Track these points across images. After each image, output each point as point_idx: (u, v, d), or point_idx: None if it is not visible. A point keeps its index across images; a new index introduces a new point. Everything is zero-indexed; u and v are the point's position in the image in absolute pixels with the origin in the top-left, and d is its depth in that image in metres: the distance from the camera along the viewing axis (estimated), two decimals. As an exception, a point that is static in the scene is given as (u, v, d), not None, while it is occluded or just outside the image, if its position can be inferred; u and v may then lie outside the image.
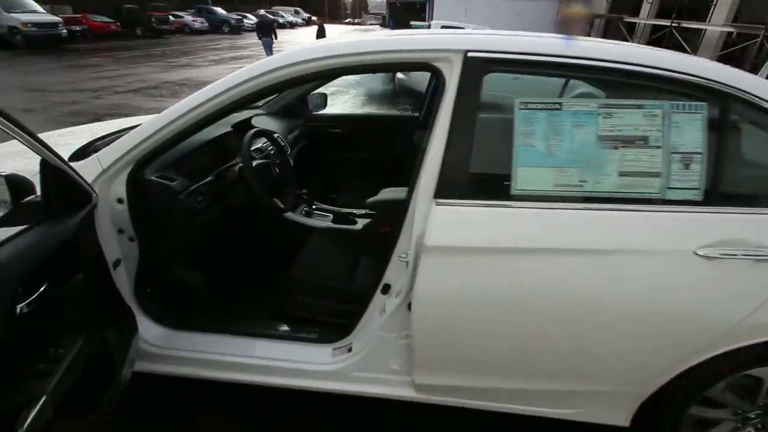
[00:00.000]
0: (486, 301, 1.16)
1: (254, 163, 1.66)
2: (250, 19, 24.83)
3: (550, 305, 1.14)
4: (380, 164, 2.72)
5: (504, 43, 1.15)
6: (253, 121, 2.22)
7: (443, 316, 1.19)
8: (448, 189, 1.14)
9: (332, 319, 1.61)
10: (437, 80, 1.19)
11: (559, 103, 1.12)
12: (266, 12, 12.60)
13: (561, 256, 1.11)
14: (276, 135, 2.07)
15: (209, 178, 1.64)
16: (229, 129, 1.92)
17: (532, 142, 1.13)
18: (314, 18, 37.34)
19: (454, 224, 1.13)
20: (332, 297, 1.65)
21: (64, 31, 14.27)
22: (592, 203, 1.12)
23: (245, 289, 1.92)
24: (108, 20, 18.56)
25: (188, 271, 1.64)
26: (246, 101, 1.26)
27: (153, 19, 20.16)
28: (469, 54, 1.14)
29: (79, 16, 17.67)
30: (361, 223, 2.10)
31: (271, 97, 2.65)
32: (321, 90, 2.82)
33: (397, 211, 1.90)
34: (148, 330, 1.46)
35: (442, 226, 1.12)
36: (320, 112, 2.84)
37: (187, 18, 23.55)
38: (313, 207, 2.14)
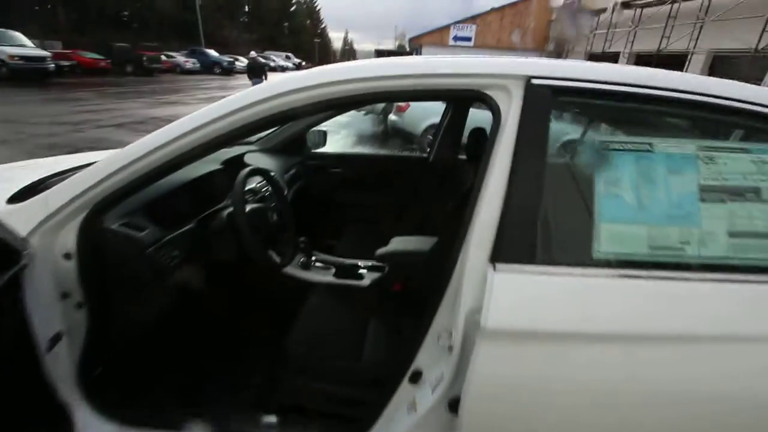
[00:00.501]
0: (570, 403, 0.85)
1: (248, 208, 1.37)
2: (242, 62, 25.28)
3: (655, 405, 0.84)
4: (386, 209, 2.46)
5: (576, 69, 0.93)
6: (246, 159, 1.95)
7: (509, 427, 0.88)
8: (510, 250, 0.86)
9: (337, 408, 1.26)
10: (492, 113, 0.94)
11: (650, 143, 0.89)
12: (258, 55, 12.76)
13: (671, 345, 0.82)
14: (273, 174, 1.80)
15: (189, 226, 1.33)
16: (218, 166, 1.63)
17: (619, 192, 0.87)
18: (304, 63, 38.52)
19: (523, 299, 0.84)
20: (336, 379, 1.31)
21: (52, 65, 14.09)
22: (697, 272, 0.86)
23: (226, 369, 1.56)
24: (98, 57, 18.55)
25: (153, 346, 1.29)
26: (240, 134, 0.98)
27: (144, 58, 20.30)
28: (533, 81, 0.90)
29: (69, 51, 17.67)
30: (368, 277, 1.79)
31: (266, 133, 2.41)
32: (320, 127, 2.60)
33: (412, 265, 1.62)
34: (95, 429, 1.09)
35: (507, 302, 0.83)
36: (320, 150, 2.60)
37: (179, 58, 23.86)
38: (313, 258, 1.83)
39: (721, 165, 0.88)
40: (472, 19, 18.91)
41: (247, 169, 1.40)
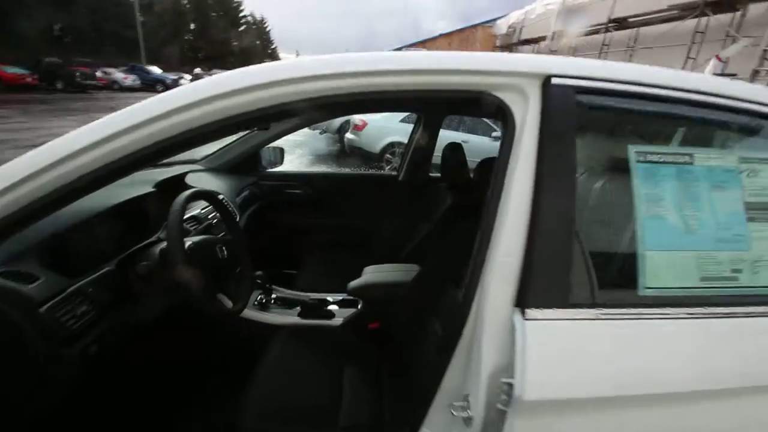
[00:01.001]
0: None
1: (188, 241, 1.08)
2: (186, 80, 24.31)
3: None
4: (354, 233, 2.23)
5: (603, 68, 0.77)
6: (189, 180, 1.66)
7: None
8: (542, 291, 0.67)
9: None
10: (502, 121, 0.76)
11: (690, 154, 0.75)
12: (204, 72, 12.21)
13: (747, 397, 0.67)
14: (221, 198, 1.53)
15: (105, 270, 1.02)
16: (148, 190, 1.33)
17: (662, 213, 0.72)
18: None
19: (567, 355, 0.64)
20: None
21: (-38, 80, 12.61)
22: (757, 305, 0.71)
23: None
24: (23, 72, 16.92)
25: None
26: (179, 144, 0.71)
27: (77, 74, 18.79)
28: (554, 81, 0.74)
29: (-12, 67, 15.98)
30: (339, 314, 1.54)
31: (212, 150, 2.11)
32: (277, 143, 2.34)
33: (390, 299, 1.40)
34: None
35: (546, 361, 0.63)
36: (276, 169, 2.34)
37: (118, 75, 22.38)
38: (273, 295, 1.56)
39: (765, 178, 0.76)
40: (422, 43, 19.58)
41: (187, 192, 1.11)
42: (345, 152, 7.96)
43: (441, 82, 0.76)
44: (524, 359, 0.62)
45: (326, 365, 1.28)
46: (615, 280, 0.72)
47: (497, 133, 7.59)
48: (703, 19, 7.86)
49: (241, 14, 42.69)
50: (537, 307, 0.66)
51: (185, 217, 1.38)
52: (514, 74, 0.75)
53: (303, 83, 0.70)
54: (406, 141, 7.24)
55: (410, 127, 7.25)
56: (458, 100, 0.77)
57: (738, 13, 7.35)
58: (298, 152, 8.25)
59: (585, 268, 0.70)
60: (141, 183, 1.31)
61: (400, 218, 2.10)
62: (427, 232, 1.74)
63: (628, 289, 0.69)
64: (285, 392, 1.13)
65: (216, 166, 2.09)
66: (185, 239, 1.07)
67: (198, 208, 1.50)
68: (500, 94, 0.75)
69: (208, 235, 1.26)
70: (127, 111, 0.68)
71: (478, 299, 0.71)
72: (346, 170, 5.63)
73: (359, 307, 1.54)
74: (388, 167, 6.61)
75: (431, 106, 2.06)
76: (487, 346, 0.68)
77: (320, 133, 9.68)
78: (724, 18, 7.54)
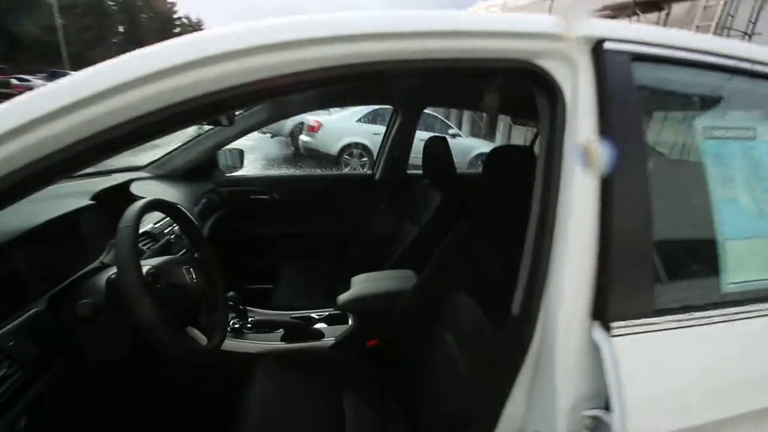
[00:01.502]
0: None
1: (146, 267, 0.85)
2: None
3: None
4: (331, 239, 2.04)
5: (662, 33, 0.65)
6: (134, 189, 1.39)
7: None
8: (626, 299, 0.54)
9: None
10: (547, 97, 0.63)
11: (753, 128, 0.66)
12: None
13: None
14: (180, 207, 1.28)
15: (32, 312, 0.76)
16: (86, 202, 1.06)
17: (736, 195, 0.62)
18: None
19: (662, 374, 0.52)
20: None
21: None
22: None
23: None
24: None
25: None
26: (132, 136, 0.50)
27: (-13, 82, 16.79)
28: (607, 46, 0.62)
29: None
30: (328, 333, 1.35)
31: (159, 155, 1.84)
32: (233, 145, 2.09)
33: (388, 311, 1.25)
34: None
35: (643, 383, 0.51)
36: (236, 174, 2.09)
37: (36, 81, 20.22)
38: (249, 318, 1.33)
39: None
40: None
41: (141, 203, 0.86)
42: (300, 155, 7.66)
43: (480, 48, 0.59)
44: (619, 384, 0.50)
45: (323, 393, 1.10)
46: (695, 277, 0.62)
47: (454, 131, 7.66)
48: (634, 18, 8.43)
49: (175, 16, 40.37)
50: (621, 318, 0.53)
51: (138, 234, 1.14)
52: (557, 37, 0.62)
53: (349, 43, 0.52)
54: (364, 142, 7.12)
55: (367, 127, 7.15)
56: (500, 71, 0.63)
57: (663, 12, 7.97)
58: (250, 157, 7.81)
59: (664, 265, 0.58)
60: (73, 195, 1.05)
61: (382, 220, 1.94)
62: (418, 234, 1.59)
63: (709, 286, 0.59)
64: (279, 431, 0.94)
65: (165, 172, 1.81)
66: (141, 262, 0.84)
67: (150, 223, 1.25)
68: (543, 63, 0.62)
69: (169, 256, 1.03)
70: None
71: (544, 314, 0.57)
72: (317, 171, 5.27)
73: (351, 322, 1.37)
74: (347, 169, 6.42)
75: (410, 98, 1.92)
76: (561, 371, 0.54)
77: (271, 137, 9.27)
78: (652, 17, 8.14)
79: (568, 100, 0.60)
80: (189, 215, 1.02)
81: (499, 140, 9.88)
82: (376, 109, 6.50)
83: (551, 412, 0.54)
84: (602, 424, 0.51)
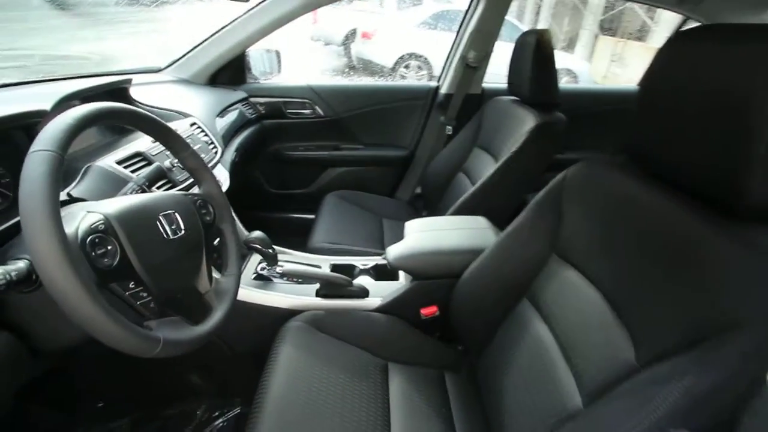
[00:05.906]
0: None
1: (95, 218, 0.53)
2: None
3: None
4: (383, 166, 1.70)
5: None
6: (134, 93, 1.10)
7: None
8: None
9: None
10: None
11: None
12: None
13: None
14: (194, 124, 0.97)
15: None
16: (38, 107, 0.74)
17: None
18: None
19: None
20: None
21: None
22: None
23: None
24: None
25: None
26: None
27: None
28: None
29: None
30: (373, 291, 1.05)
31: (182, 55, 1.50)
32: (267, 46, 1.70)
33: (456, 275, 0.94)
34: None
35: None
36: (272, 82, 1.73)
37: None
38: (278, 265, 1.06)
39: None
40: None
41: (78, 111, 0.50)
42: (353, 67, 7.03)
43: None
44: None
45: (363, 368, 0.86)
46: None
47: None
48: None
49: None
50: None
51: (121, 158, 0.85)
52: None
53: None
54: (423, 53, 6.28)
55: (431, 33, 6.23)
56: None
57: None
58: (294, 67, 7.31)
59: None
60: (22, 99, 0.76)
61: (448, 146, 1.54)
62: (498, 170, 1.18)
63: None
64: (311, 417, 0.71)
65: (188, 76, 1.50)
66: (131, 202, 0.56)
67: (149, 140, 0.95)
68: None
69: (178, 191, 0.75)
70: None
71: None
72: (372, 82, 4.54)
73: (402, 280, 1.07)
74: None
75: None
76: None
77: (325, 45, 8.56)
78: None
79: None
80: (170, 128, 0.69)
81: (579, 55, 8.50)
82: (441, 12, 5.61)
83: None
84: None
